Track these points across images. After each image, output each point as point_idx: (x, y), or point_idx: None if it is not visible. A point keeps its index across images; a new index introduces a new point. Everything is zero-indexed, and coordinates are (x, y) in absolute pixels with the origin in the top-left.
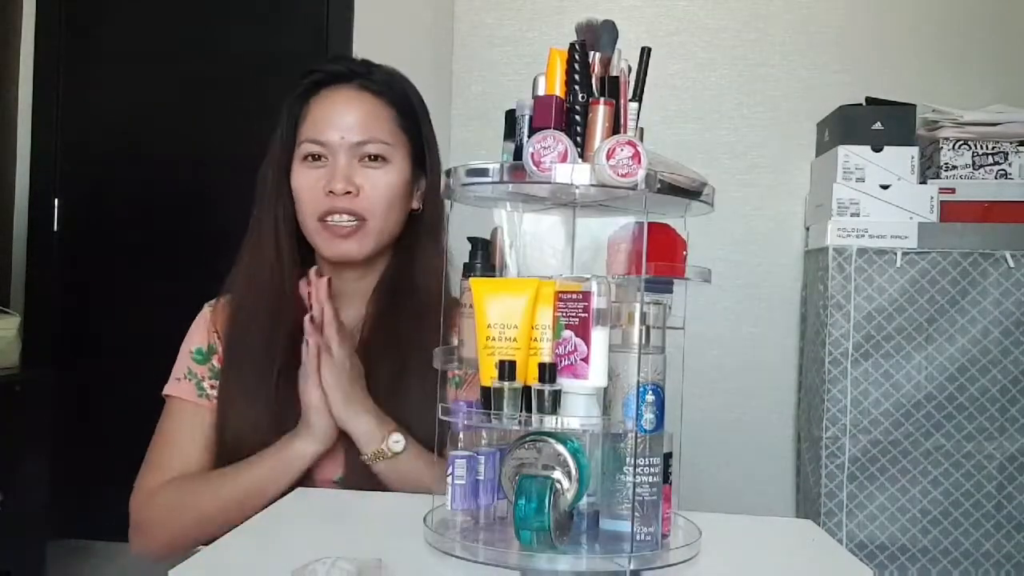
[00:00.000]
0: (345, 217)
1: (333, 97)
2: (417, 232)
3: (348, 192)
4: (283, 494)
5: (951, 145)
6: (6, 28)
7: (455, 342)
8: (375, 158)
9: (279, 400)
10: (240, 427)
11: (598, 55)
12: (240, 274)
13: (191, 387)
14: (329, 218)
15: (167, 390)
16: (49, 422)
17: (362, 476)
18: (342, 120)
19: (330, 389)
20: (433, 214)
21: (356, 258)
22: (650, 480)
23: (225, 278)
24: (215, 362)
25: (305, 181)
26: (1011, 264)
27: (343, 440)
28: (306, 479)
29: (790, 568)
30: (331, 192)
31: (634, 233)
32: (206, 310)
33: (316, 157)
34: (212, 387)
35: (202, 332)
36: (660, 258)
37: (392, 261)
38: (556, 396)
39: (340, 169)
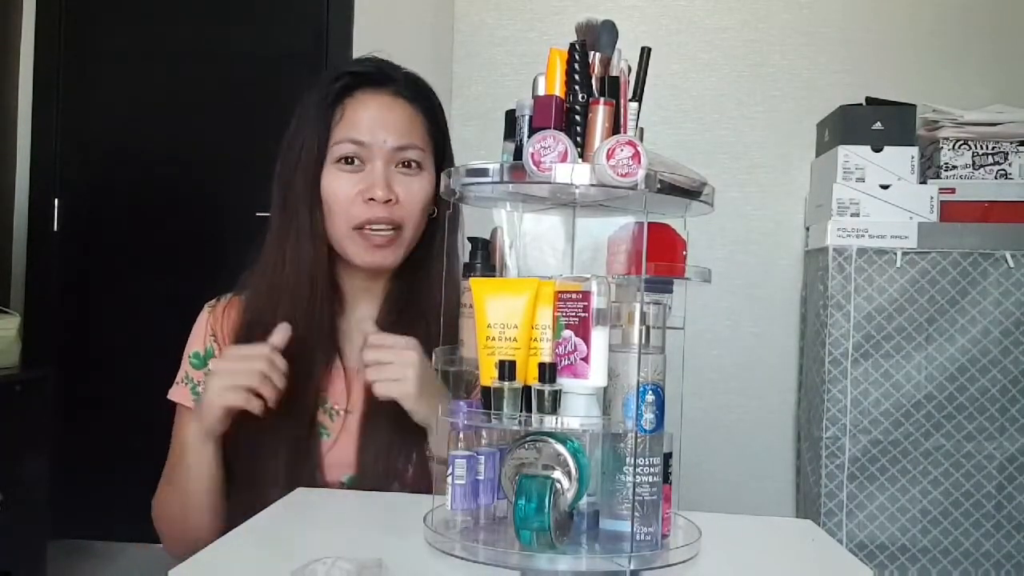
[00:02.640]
0: (383, 226)
1: (370, 102)
2: (432, 235)
3: (388, 200)
4: (212, 482)
5: (951, 145)
6: (6, 29)
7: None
8: (410, 164)
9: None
10: (249, 433)
11: (598, 55)
12: (263, 283)
13: (187, 392)
14: (367, 227)
15: (169, 394)
16: (49, 422)
17: (374, 479)
18: (382, 124)
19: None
20: (448, 217)
21: (390, 267)
22: (650, 480)
23: (230, 276)
24: (211, 366)
25: (340, 186)
26: (1011, 264)
27: (357, 441)
28: (314, 476)
29: (790, 568)
30: (371, 199)
31: (634, 233)
32: (205, 312)
33: (350, 160)
34: None
35: (200, 336)
36: (660, 258)
37: (405, 264)
38: (556, 396)
39: (379, 176)
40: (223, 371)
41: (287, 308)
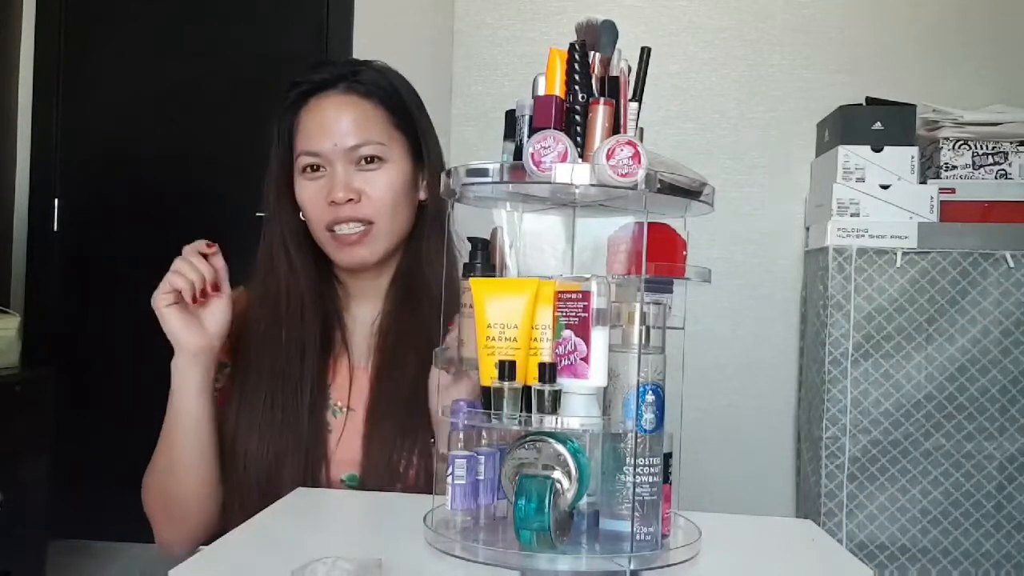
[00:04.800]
0: (351, 225)
1: (321, 105)
2: (422, 224)
3: (350, 199)
4: (200, 442)
5: (951, 145)
6: (6, 29)
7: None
8: (371, 160)
9: (288, 414)
10: (247, 437)
11: (598, 55)
12: (256, 284)
13: None
14: (336, 228)
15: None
16: (49, 422)
17: (379, 477)
18: (333, 127)
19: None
20: (436, 204)
21: (369, 262)
22: (650, 480)
23: (230, 276)
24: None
25: (307, 194)
26: (1011, 264)
27: (362, 439)
28: (317, 474)
29: (790, 568)
30: (333, 202)
31: (634, 233)
32: None
33: (315, 168)
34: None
35: None
36: (660, 258)
37: (404, 256)
38: (556, 396)
39: (338, 177)
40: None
41: (274, 316)
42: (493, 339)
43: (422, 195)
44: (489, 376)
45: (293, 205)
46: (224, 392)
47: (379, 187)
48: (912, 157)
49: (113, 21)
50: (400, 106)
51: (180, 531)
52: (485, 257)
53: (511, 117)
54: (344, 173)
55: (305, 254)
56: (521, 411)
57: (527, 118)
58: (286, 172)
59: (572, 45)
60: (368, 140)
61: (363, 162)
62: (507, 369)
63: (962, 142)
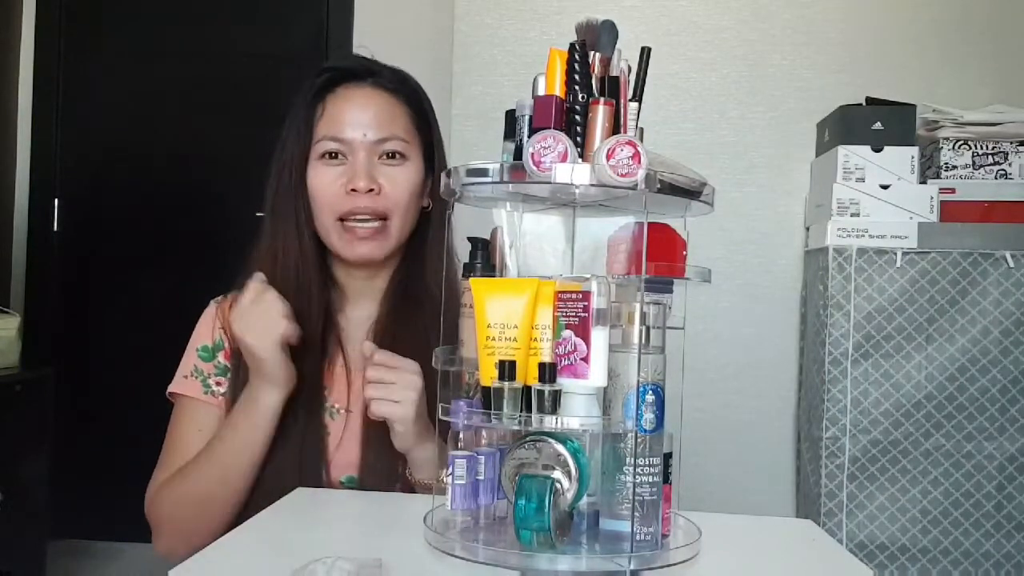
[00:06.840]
0: (367, 217)
1: (350, 95)
2: (426, 230)
3: (371, 190)
4: (260, 457)
5: (951, 145)
6: (6, 29)
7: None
8: (393, 155)
9: (287, 416)
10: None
11: (598, 55)
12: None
13: (197, 385)
14: (350, 218)
15: (173, 388)
16: (49, 422)
17: (378, 478)
18: (362, 118)
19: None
20: (440, 211)
21: (377, 260)
22: (650, 480)
23: (230, 276)
24: (221, 358)
25: (323, 179)
26: (1011, 264)
27: (359, 441)
28: (317, 477)
29: (790, 568)
30: (353, 190)
31: (634, 233)
32: (212, 307)
33: (334, 155)
34: (218, 383)
35: (208, 329)
36: (660, 258)
37: (403, 259)
38: (556, 396)
39: (361, 167)
40: (253, 315)
41: None
42: (493, 339)
43: (425, 201)
44: (489, 376)
45: (306, 190)
46: (228, 400)
47: (398, 183)
48: (912, 157)
49: (113, 21)
50: (420, 108)
51: (191, 541)
52: (485, 257)
53: (511, 117)
54: (367, 164)
55: (313, 245)
56: (521, 411)
57: (527, 118)
58: (303, 156)
59: (572, 45)
60: (394, 135)
61: (385, 156)
62: (507, 369)
63: (962, 142)
